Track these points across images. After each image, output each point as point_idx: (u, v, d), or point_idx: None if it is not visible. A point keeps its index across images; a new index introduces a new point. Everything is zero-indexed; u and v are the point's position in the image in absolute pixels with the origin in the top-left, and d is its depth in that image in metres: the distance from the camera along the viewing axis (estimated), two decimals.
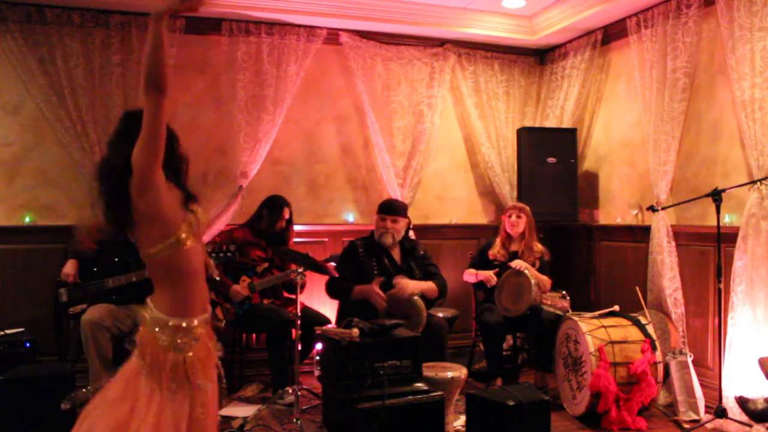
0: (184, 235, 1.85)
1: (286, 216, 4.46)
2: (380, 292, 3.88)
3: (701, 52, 4.25)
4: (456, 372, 3.47)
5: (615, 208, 5.10)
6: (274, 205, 4.44)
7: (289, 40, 4.94)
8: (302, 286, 3.72)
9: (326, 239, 5.21)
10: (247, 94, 4.85)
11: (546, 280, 4.32)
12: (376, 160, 5.27)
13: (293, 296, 4.31)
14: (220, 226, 4.73)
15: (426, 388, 3.26)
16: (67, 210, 4.64)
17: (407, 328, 3.61)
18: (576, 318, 3.90)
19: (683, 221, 4.38)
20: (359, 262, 4.08)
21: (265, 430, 3.61)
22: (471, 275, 4.47)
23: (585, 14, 4.80)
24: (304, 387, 3.99)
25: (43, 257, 4.49)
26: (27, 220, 4.56)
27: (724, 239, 3.72)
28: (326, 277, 4.10)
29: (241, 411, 3.90)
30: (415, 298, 3.87)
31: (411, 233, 4.69)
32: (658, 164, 4.40)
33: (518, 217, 4.46)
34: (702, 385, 3.85)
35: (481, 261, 4.54)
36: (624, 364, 3.68)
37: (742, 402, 3.61)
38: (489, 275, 4.34)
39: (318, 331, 3.66)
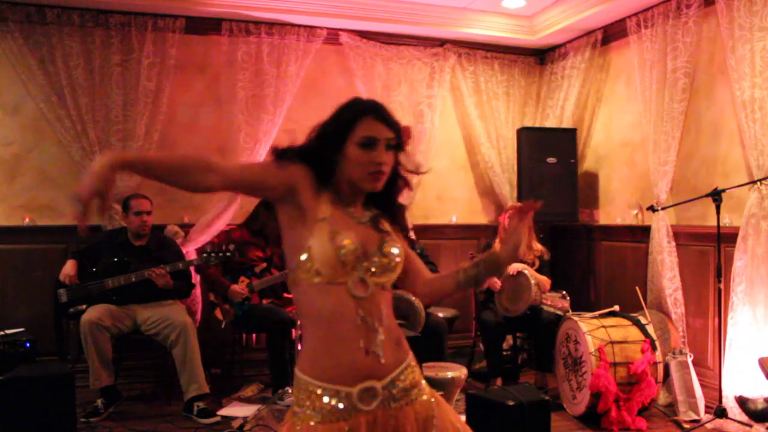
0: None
1: None
2: None
3: (701, 52, 4.25)
4: (456, 372, 3.47)
5: (615, 208, 5.10)
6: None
7: (289, 40, 4.94)
8: None
9: None
10: (247, 94, 4.85)
11: (546, 280, 4.32)
12: None
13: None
14: (220, 226, 4.73)
15: None
16: (67, 210, 4.63)
17: (406, 328, 3.60)
18: (576, 318, 3.89)
19: (683, 221, 4.37)
20: None
21: (265, 430, 3.60)
22: None
23: (585, 14, 4.79)
24: None
25: (43, 257, 4.50)
26: (27, 220, 4.56)
27: (724, 239, 3.72)
28: None
29: (241, 411, 3.90)
30: (414, 298, 3.87)
31: (411, 233, 4.67)
32: (658, 164, 4.40)
33: None
34: (702, 385, 3.84)
35: None
36: (624, 364, 3.67)
37: (742, 402, 3.61)
38: (493, 281, 4.35)
39: None
